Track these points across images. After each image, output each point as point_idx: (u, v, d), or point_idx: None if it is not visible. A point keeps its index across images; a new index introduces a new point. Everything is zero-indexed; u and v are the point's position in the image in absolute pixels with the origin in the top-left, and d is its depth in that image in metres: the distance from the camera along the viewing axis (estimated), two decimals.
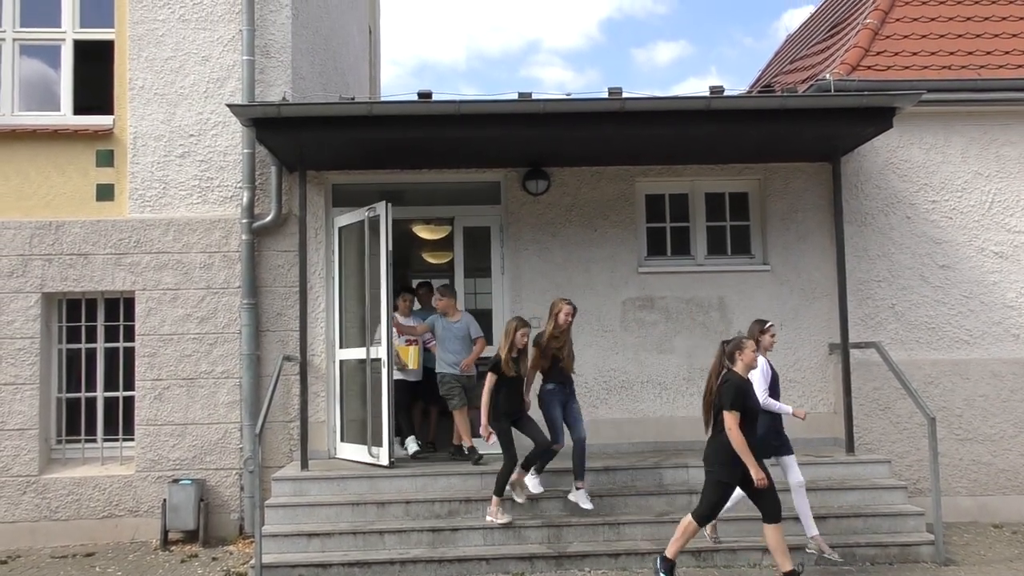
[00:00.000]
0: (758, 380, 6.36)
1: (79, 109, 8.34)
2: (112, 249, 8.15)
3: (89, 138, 8.22)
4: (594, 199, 8.51)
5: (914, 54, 8.78)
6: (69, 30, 8.34)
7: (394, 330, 7.90)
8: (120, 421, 8.24)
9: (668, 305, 8.46)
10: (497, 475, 6.87)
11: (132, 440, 8.13)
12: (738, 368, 5.95)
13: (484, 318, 8.38)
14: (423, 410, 8.68)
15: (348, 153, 8.04)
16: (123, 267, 8.14)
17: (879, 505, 7.19)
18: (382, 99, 9.02)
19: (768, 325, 6.74)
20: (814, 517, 6.53)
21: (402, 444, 8.12)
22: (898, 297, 8.47)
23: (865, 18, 9.25)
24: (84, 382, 8.26)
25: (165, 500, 7.75)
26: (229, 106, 7.35)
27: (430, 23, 40.38)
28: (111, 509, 7.95)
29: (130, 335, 8.22)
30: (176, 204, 8.25)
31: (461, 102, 7.02)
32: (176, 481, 7.80)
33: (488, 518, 6.88)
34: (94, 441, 8.27)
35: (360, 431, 7.90)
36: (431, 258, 13.89)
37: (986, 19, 9.21)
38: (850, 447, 7.81)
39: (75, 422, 8.26)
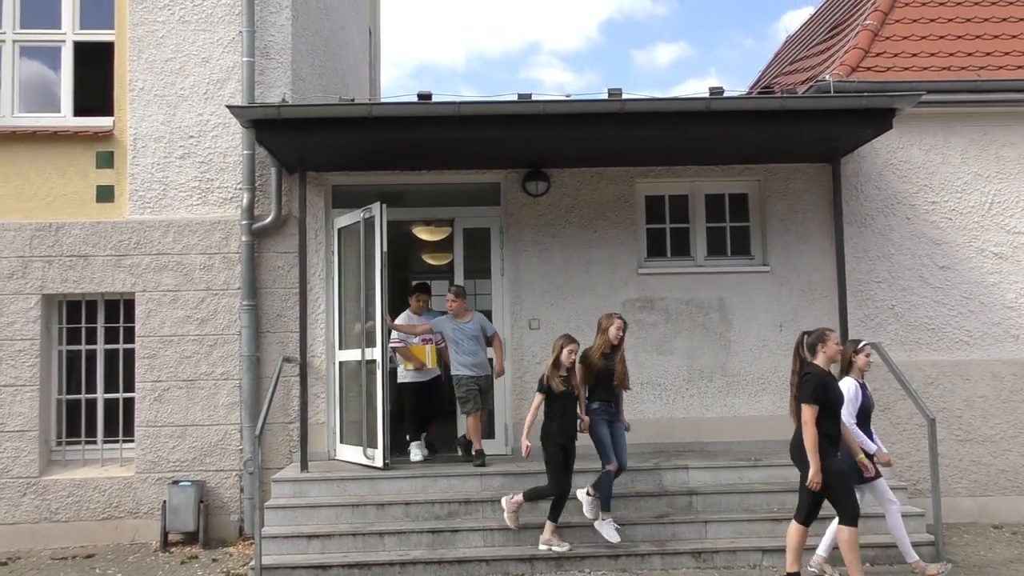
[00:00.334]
0: (845, 403, 6.03)
1: (79, 111, 8.34)
2: (112, 250, 8.16)
3: (89, 140, 8.22)
4: (594, 200, 8.51)
5: (914, 55, 8.77)
6: (69, 31, 8.34)
7: (403, 331, 7.88)
8: (120, 423, 8.24)
9: (668, 306, 8.46)
10: (550, 505, 6.65)
11: (132, 442, 8.13)
12: (819, 361, 5.83)
13: None
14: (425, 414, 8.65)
15: (348, 154, 8.04)
16: (123, 268, 8.15)
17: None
18: (382, 100, 9.02)
19: (863, 344, 6.43)
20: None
21: (407, 449, 8.10)
22: (898, 298, 8.47)
23: (865, 19, 9.25)
24: (84, 384, 8.27)
25: (165, 502, 7.75)
26: (229, 107, 7.36)
27: (430, 24, 40.39)
28: (111, 511, 7.96)
29: (130, 337, 8.23)
30: (176, 205, 8.25)
31: (461, 103, 7.03)
32: (176, 483, 7.80)
33: (542, 547, 6.67)
34: (94, 443, 8.28)
35: (359, 433, 7.90)
36: (431, 259, 13.87)
37: (986, 20, 9.20)
38: None
39: (75, 424, 8.27)
